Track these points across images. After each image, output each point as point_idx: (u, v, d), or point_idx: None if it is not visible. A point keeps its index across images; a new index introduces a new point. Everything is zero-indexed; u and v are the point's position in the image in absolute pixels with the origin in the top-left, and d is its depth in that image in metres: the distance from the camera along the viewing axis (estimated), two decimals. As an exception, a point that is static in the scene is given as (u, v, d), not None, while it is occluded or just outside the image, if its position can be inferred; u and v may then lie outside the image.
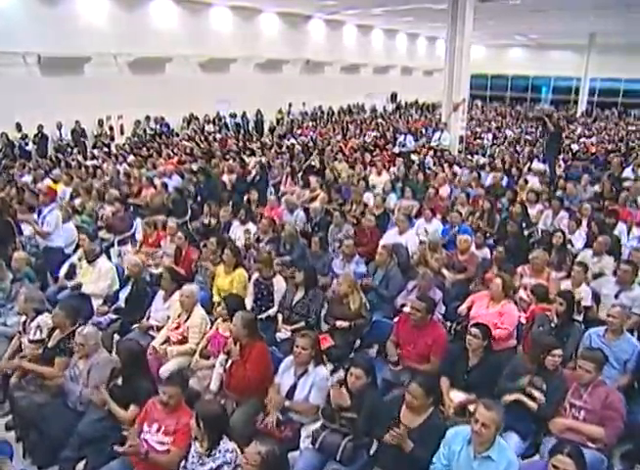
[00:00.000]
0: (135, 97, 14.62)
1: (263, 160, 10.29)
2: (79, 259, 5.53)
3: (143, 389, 3.10)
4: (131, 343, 3.36)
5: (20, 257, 4.98)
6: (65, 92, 12.99)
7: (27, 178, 9.61)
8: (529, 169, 10.41)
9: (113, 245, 6.95)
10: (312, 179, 7.89)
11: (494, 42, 28.91)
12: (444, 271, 5.23)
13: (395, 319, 4.18)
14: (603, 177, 9.25)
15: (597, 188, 8.61)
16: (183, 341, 3.95)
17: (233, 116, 17.36)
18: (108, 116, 14.46)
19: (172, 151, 11.84)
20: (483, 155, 12.80)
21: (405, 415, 2.88)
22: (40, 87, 12.72)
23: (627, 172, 10.38)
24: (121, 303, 4.72)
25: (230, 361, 3.43)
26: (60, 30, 12.74)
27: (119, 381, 3.22)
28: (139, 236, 7.13)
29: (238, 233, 6.07)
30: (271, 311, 4.53)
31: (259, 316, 4.43)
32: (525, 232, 6.63)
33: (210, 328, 4.00)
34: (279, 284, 4.58)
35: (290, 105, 19.71)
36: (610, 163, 10.90)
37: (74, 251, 6.52)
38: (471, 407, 3.08)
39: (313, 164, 9.99)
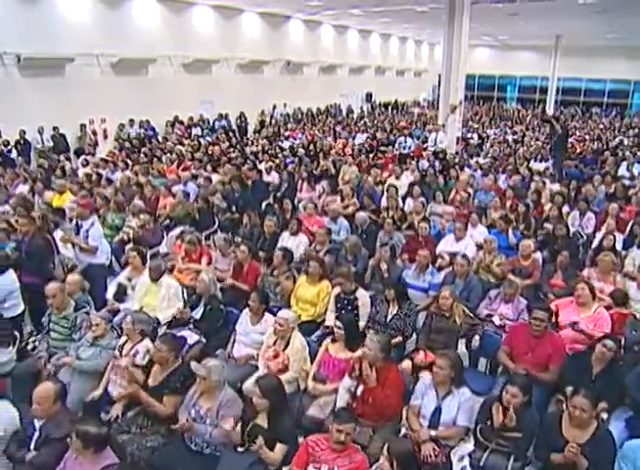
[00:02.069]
0: (118, 99, 14.06)
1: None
2: (129, 279, 5.21)
3: (289, 427, 2.90)
4: (272, 379, 3.11)
5: (74, 280, 4.58)
6: (45, 94, 12.31)
7: (23, 189, 9.01)
8: (529, 169, 10.68)
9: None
10: (346, 187, 7.72)
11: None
12: (512, 277, 5.24)
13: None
14: (596, 176, 9.46)
15: (603, 187, 8.92)
16: (283, 370, 3.75)
17: (224, 117, 17.01)
18: (90, 119, 13.80)
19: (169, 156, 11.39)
20: (478, 155, 13.05)
21: (569, 431, 2.84)
22: (19, 89, 11.99)
23: (622, 171, 10.85)
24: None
25: (362, 387, 3.28)
26: (40, 30, 12.01)
27: (259, 420, 2.98)
28: (163, 249, 6.86)
29: (289, 244, 5.87)
30: (360, 325, 4.38)
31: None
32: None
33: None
34: (363, 298, 4.44)
35: (274, 106, 19.45)
36: (604, 161, 11.36)
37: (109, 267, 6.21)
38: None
39: (326, 168, 9.84)
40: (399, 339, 4.18)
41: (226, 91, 17.44)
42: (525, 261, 5.42)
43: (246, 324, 4.17)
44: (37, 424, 2.93)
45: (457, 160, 11.40)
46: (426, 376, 3.76)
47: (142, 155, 11.11)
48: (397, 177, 9.19)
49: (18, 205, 7.35)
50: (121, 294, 5.11)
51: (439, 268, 5.56)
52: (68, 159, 11.73)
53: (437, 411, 3.17)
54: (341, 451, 2.70)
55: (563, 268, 5.26)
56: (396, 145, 12.67)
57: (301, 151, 11.48)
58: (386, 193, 7.93)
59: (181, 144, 13.56)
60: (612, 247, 5.72)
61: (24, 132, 12.05)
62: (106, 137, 14.35)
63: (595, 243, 6.48)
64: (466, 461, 2.99)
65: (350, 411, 2.89)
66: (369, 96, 25.99)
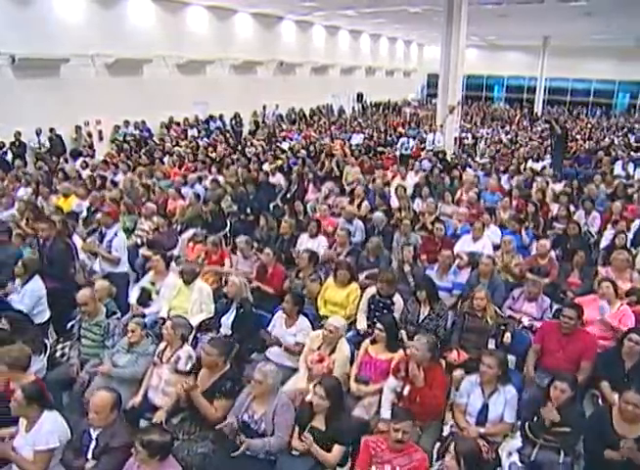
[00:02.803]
0: (113, 100, 13.94)
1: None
2: (152, 284, 5.19)
3: (346, 428, 2.94)
4: (334, 380, 3.14)
5: (103, 286, 4.55)
6: (40, 95, 12.15)
7: (25, 192, 8.89)
8: (525, 169, 10.88)
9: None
10: (358, 189, 7.77)
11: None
12: (531, 276, 5.35)
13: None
14: (596, 176, 9.67)
15: (603, 187, 9.13)
16: (328, 374, 3.76)
17: (219, 118, 16.96)
18: (86, 121, 13.64)
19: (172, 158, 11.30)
20: (475, 154, 13.25)
21: (621, 426, 2.93)
22: (14, 90, 11.81)
23: (618, 170, 11.11)
24: (227, 329, 4.46)
25: (409, 387, 3.34)
26: (34, 30, 11.88)
27: (316, 422, 3.02)
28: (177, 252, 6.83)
29: (308, 246, 5.91)
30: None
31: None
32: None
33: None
34: (399, 302, 4.50)
35: (264, 107, 19.44)
36: (599, 161, 11.59)
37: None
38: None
39: (330, 169, 9.89)
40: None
41: (220, 92, 17.40)
42: (543, 260, 5.54)
43: (280, 327, 4.20)
44: (94, 433, 2.92)
45: (456, 160, 11.55)
46: (458, 374, 3.86)
47: (143, 156, 10.99)
48: (403, 178, 9.28)
49: (25, 209, 7.32)
50: (145, 299, 5.09)
51: (458, 268, 5.64)
52: (66, 161, 11.57)
53: (485, 409, 3.25)
54: (400, 451, 2.76)
55: (579, 267, 5.40)
56: (398, 145, 12.75)
57: (303, 152, 11.50)
58: (395, 194, 8.01)
59: (178, 145, 13.52)
60: (624, 245, 5.88)
61: (20, 134, 11.88)
62: (101, 139, 14.21)
63: (604, 242, 6.67)
64: (514, 457, 3.07)
65: (407, 410, 2.93)
66: (360, 96, 26.11)
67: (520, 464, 3.02)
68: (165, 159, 10.96)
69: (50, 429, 2.95)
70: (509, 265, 5.54)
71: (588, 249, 6.19)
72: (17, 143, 11.86)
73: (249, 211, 7.31)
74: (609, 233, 6.73)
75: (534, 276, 5.33)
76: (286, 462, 2.95)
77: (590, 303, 4.63)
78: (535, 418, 3.12)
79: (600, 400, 3.65)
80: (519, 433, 3.17)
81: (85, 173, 10.06)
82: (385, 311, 4.45)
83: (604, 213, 7.50)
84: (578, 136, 15.91)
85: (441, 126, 12.79)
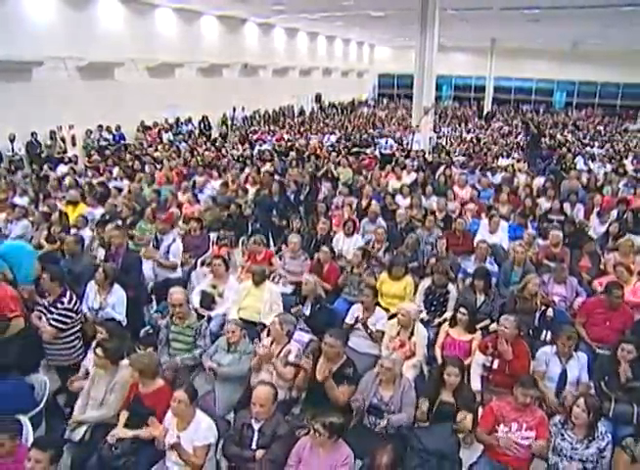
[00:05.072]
0: (85, 105, 13.64)
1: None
2: (213, 287, 5.42)
3: (471, 397, 3.49)
4: (459, 361, 3.62)
5: (181, 291, 4.74)
6: (10, 100, 11.71)
7: (22, 201, 8.68)
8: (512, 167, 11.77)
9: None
10: (367, 188, 8.24)
11: (399, 44, 31.05)
12: (548, 263, 6.07)
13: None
14: (572, 172, 10.73)
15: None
16: (410, 356, 4.24)
17: (189, 121, 16.86)
18: (59, 126, 13.26)
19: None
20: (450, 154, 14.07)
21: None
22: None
23: (581, 165, 12.31)
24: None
25: (497, 361, 3.88)
26: (3, 32, 11.42)
27: (444, 396, 3.48)
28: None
29: (345, 245, 6.34)
30: (447, 315, 4.97)
31: (437, 320, 4.93)
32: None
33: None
34: (453, 291, 5.05)
35: (234, 109, 19.52)
36: (561, 157, 12.76)
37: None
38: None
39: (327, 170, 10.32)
40: (488, 322, 4.83)
41: (189, 95, 17.34)
42: (556, 249, 6.29)
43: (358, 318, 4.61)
44: (256, 425, 3.22)
45: (439, 159, 12.26)
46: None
47: (137, 162, 10.93)
48: (399, 178, 9.88)
49: (42, 220, 7.23)
50: (209, 302, 5.31)
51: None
52: (51, 168, 11.26)
53: (564, 373, 3.85)
54: (523, 410, 3.28)
55: (589, 253, 6.19)
56: (378, 146, 13.35)
57: (293, 154, 11.84)
58: (400, 193, 8.58)
59: (157, 150, 13.45)
60: (617, 233, 6.74)
61: (-6, 141, 11.45)
62: (74, 144, 13.85)
63: (592, 231, 7.55)
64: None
65: (533, 380, 3.46)
66: (318, 97, 26.64)
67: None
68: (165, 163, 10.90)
69: (206, 426, 3.22)
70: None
71: (589, 237, 7.02)
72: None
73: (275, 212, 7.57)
74: (596, 223, 7.66)
75: (550, 263, 6.09)
76: (422, 433, 3.36)
77: (603, 283, 5.39)
78: (606, 377, 3.75)
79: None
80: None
81: (69, 180, 9.84)
82: (441, 300, 4.99)
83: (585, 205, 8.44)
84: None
85: (417, 127, 13.51)
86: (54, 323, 4.00)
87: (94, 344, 3.99)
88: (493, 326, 4.65)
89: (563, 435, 3.21)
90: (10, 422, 2.95)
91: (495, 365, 3.90)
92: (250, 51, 20.43)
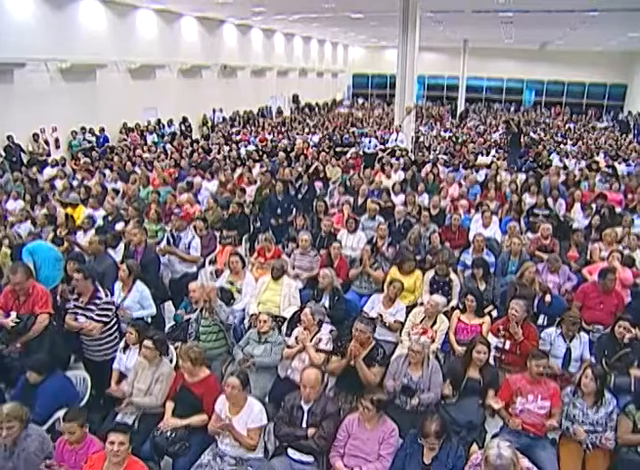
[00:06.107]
0: (67, 107, 13.56)
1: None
2: (231, 283, 5.65)
3: (496, 373, 3.88)
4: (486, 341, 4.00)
5: (213, 286, 4.93)
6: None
7: (16, 205, 8.68)
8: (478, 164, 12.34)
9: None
10: (363, 187, 8.57)
11: (373, 44, 31.61)
12: (540, 254, 6.53)
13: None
14: (552, 168, 11.30)
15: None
16: (432, 342, 4.57)
17: (170, 123, 16.87)
18: (41, 128, 13.13)
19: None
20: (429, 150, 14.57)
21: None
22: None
23: (556, 161, 12.96)
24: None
25: (509, 342, 4.27)
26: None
27: (471, 373, 3.85)
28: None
29: (349, 242, 6.65)
30: (453, 303, 5.35)
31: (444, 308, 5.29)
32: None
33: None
34: (456, 280, 5.43)
35: (214, 110, 19.59)
36: (538, 154, 13.41)
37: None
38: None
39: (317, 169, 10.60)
40: (491, 307, 5.23)
41: (169, 97, 17.38)
42: (546, 240, 6.76)
43: (378, 308, 4.94)
44: (305, 406, 3.49)
45: (423, 158, 12.71)
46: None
47: (129, 163, 10.98)
48: (388, 176, 10.25)
49: (46, 222, 7.29)
50: (228, 297, 5.53)
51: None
52: (39, 170, 11.18)
53: (568, 351, 4.26)
54: (538, 382, 3.65)
55: (577, 244, 6.68)
56: (361, 145, 13.70)
57: (282, 154, 12.06)
58: (392, 190, 8.94)
59: (143, 152, 13.46)
60: (598, 225, 7.27)
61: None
62: (58, 147, 13.73)
63: (575, 223, 8.09)
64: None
65: (544, 353, 3.84)
66: (295, 97, 26.88)
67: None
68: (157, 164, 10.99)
69: (259, 409, 3.47)
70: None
71: (571, 229, 7.54)
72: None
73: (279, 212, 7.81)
74: (579, 216, 8.20)
75: (542, 254, 6.55)
76: (451, 408, 3.72)
77: (597, 269, 5.89)
78: (606, 351, 4.19)
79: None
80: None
81: (60, 183, 9.84)
82: (445, 289, 5.36)
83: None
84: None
85: (400, 126, 13.92)
86: (98, 319, 4.17)
87: (122, 344, 4.24)
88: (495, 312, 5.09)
89: (574, 403, 3.61)
90: (79, 411, 3.14)
91: (507, 346, 4.28)
92: (228, 52, 20.53)
